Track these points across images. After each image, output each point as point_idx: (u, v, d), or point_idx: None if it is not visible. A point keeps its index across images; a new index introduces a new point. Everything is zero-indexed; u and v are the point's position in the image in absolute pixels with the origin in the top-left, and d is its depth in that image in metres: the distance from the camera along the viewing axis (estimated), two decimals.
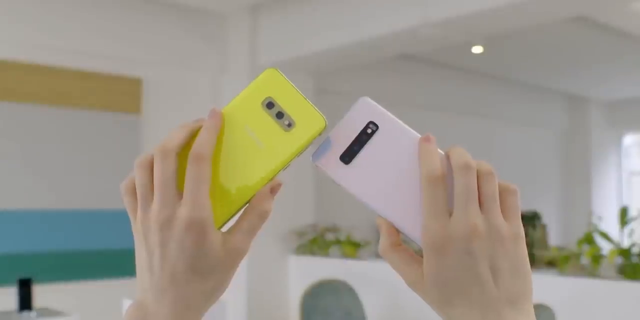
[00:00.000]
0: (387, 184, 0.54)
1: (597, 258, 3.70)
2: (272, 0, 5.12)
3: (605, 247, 3.92)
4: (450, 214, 0.52)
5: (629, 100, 9.17)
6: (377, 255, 5.69)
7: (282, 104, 0.54)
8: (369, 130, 0.54)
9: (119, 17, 4.87)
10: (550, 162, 8.91)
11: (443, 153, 0.53)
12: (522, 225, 0.54)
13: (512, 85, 8.21)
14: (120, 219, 4.78)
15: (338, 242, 5.17)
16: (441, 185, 0.52)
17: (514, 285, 0.52)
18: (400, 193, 0.54)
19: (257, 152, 0.54)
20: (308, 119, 0.53)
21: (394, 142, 0.54)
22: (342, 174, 0.54)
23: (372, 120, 0.54)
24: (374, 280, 4.64)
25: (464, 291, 0.52)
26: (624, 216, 3.82)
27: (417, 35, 4.38)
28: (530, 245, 4.27)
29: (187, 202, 0.51)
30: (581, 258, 3.87)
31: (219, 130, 0.54)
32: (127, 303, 3.88)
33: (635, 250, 3.61)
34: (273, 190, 0.54)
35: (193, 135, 0.54)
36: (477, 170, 0.53)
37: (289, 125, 0.54)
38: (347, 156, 0.54)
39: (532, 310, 0.53)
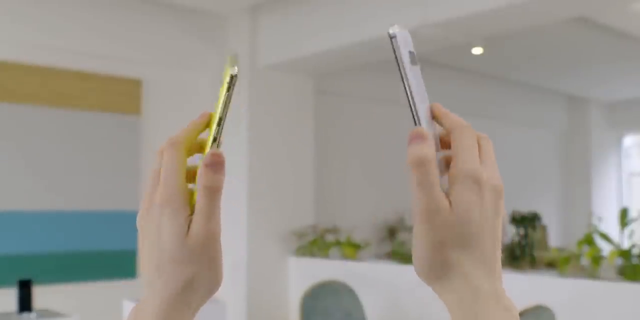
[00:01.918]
0: (426, 106, 0.53)
1: (597, 259, 3.70)
2: (272, 1, 5.12)
3: (605, 248, 3.92)
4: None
5: (629, 101, 9.17)
6: (378, 257, 5.68)
7: (224, 80, 0.54)
8: (413, 56, 0.53)
9: (118, 18, 4.86)
10: (550, 163, 8.90)
11: None
12: None
13: (512, 85, 8.21)
14: (120, 220, 4.77)
15: (338, 243, 5.17)
16: (474, 135, 0.53)
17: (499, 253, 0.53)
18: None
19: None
20: (225, 78, 0.53)
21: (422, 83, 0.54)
22: (408, 65, 0.52)
23: (414, 52, 0.53)
24: (374, 281, 4.63)
25: (481, 236, 0.50)
26: (624, 217, 3.82)
27: (418, 36, 4.37)
28: (530, 246, 4.26)
29: (160, 186, 0.53)
30: (581, 259, 3.87)
31: (199, 125, 0.55)
32: (127, 304, 3.87)
33: (635, 251, 3.61)
34: (206, 163, 0.52)
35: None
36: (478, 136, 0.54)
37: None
38: (411, 58, 0.53)
39: None
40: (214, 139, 0.53)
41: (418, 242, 0.51)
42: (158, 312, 0.53)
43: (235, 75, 0.52)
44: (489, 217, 0.51)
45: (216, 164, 0.52)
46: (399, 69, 0.52)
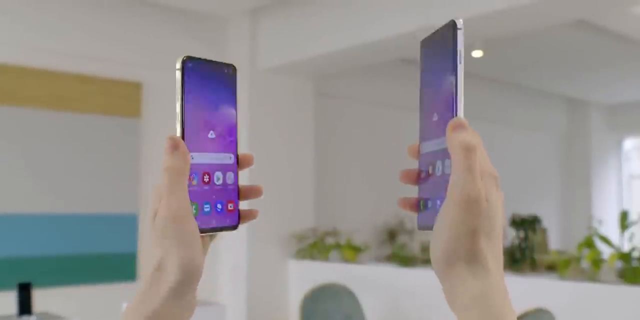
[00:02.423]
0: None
1: (597, 262, 3.69)
2: (272, 4, 5.12)
3: (605, 251, 3.92)
4: None
5: (629, 104, 9.17)
6: (378, 260, 5.68)
7: None
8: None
9: (119, 21, 4.87)
10: (551, 166, 8.90)
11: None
12: None
13: (512, 89, 8.21)
14: (120, 223, 4.77)
15: (338, 246, 5.16)
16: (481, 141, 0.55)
17: None
18: None
19: None
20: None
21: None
22: (462, 59, 0.54)
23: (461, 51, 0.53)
24: (374, 284, 4.63)
25: (498, 233, 0.52)
26: (624, 220, 3.82)
27: (417, 39, 4.37)
28: (530, 249, 4.26)
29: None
30: (581, 262, 3.86)
31: None
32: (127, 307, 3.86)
33: (635, 254, 3.60)
34: (164, 149, 0.55)
35: None
36: None
37: None
38: (460, 58, 0.53)
39: None
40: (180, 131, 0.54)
41: (452, 227, 0.51)
42: (135, 298, 0.55)
43: (179, 69, 0.55)
44: (502, 217, 0.53)
45: (170, 147, 0.55)
46: (455, 60, 0.53)
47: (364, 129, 6.51)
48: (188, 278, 0.54)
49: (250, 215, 0.59)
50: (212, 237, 0.60)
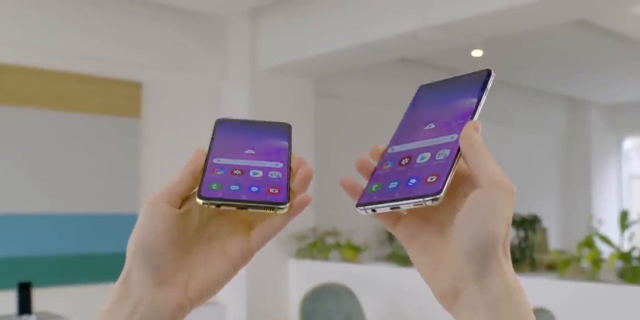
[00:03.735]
0: None
1: (597, 262, 3.70)
2: (273, 4, 5.12)
3: (605, 250, 3.92)
4: None
5: (629, 104, 9.17)
6: (377, 259, 5.68)
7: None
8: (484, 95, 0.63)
9: (119, 21, 4.87)
10: (551, 166, 8.90)
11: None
12: None
13: (512, 88, 8.21)
14: (120, 223, 4.77)
15: (338, 245, 5.16)
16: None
17: None
18: None
19: None
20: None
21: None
22: (485, 97, 0.63)
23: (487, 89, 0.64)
24: (374, 284, 4.63)
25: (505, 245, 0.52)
26: (624, 220, 3.82)
27: (418, 39, 4.38)
28: (530, 248, 4.26)
29: None
30: (581, 262, 3.86)
31: None
32: None
33: (635, 254, 3.61)
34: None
35: None
36: None
37: None
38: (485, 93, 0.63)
39: None
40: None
41: (497, 208, 0.49)
42: None
43: (216, 122, 0.65)
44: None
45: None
46: (481, 96, 0.63)
47: (364, 129, 6.50)
48: (140, 251, 0.53)
49: (305, 199, 0.61)
50: (265, 226, 0.62)
